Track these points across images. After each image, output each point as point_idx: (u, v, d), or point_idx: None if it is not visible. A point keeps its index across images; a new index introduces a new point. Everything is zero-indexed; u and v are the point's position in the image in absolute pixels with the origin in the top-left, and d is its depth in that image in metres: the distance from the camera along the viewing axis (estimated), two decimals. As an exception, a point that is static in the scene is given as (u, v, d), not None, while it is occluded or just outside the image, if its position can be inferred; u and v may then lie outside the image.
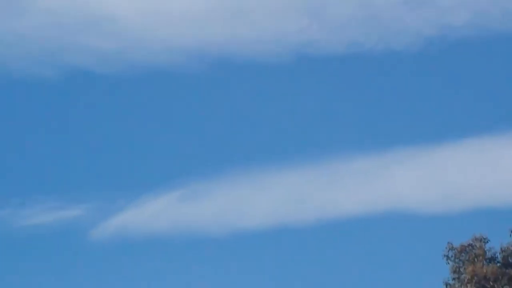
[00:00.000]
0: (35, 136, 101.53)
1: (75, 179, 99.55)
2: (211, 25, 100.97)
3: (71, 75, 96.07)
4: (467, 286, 44.45)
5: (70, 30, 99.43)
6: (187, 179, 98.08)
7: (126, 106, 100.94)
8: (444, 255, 46.94)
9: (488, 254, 45.90)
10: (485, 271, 44.23)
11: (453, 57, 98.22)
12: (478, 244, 46.29)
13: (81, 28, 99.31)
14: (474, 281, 44.32)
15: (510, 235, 46.26)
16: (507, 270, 44.64)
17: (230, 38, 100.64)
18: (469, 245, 46.15)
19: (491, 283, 44.19)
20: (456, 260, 46.20)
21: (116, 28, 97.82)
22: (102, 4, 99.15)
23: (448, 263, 46.71)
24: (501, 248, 46.27)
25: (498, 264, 45.39)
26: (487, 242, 46.51)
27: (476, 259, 45.35)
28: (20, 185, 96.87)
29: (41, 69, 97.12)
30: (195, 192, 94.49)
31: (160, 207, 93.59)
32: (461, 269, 45.60)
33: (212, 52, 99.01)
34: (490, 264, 45.16)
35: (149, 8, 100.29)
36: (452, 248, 46.50)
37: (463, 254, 46.03)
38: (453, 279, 46.03)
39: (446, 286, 46.33)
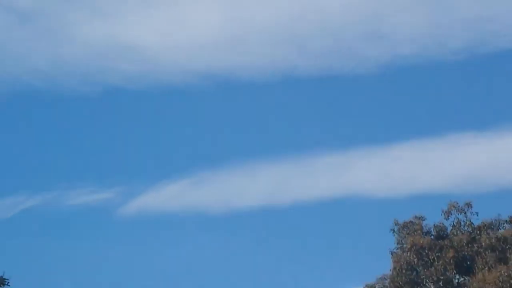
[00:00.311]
0: (78, 137, 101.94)
1: (107, 169, 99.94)
2: (215, 52, 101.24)
3: (104, 91, 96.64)
4: (407, 254, 44.74)
5: (104, 56, 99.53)
6: (195, 169, 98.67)
7: (148, 114, 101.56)
8: (391, 229, 47.40)
9: (424, 229, 46.34)
10: (421, 242, 44.75)
11: (403, 78, 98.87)
12: (417, 221, 46.83)
13: (112, 54, 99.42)
14: (413, 249, 44.65)
15: (441, 215, 46.57)
16: (438, 241, 44.98)
17: (231, 63, 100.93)
18: (410, 222, 46.71)
19: (426, 251, 44.57)
20: (400, 234, 46.69)
21: (140, 55, 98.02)
22: (128, 35, 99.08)
23: (394, 236, 47.07)
24: (434, 225, 46.70)
25: (432, 237, 45.86)
26: (424, 220, 46.97)
27: (415, 233, 45.85)
28: (66, 174, 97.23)
29: (81, 86, 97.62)
30: (201, 180, 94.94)
31: (174, 191, 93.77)
32: (403, 241, 46.06)
33: (216, 73, 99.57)
34: (425, 236, 45.62)
35: (166, 38, 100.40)
36: (397, 224, 47.01)
37: (405, 229, 46.56)
38: (397, 248, 46.44)
39: (392, 254, 46.60)
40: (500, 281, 37.09)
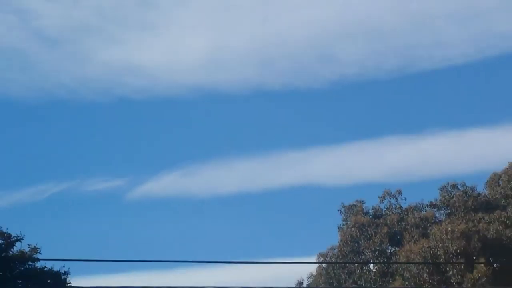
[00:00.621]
0: (95, 137, 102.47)
1: (117, 163, 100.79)
2: (201, 70, 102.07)
3: (117, 101, 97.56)
4: (351, 229, 45.02)
5: (116, 73, 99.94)
6: (187, 163, 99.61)
7: (150, 119, 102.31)
8: (339, 210, 47.55)
9: (365, 211, 46.65)
10: (362, 220, 45.15)
11: (349, 92, 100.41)
12: (358, 204, 47.17)
13: (123, 72, 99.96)
14: (356, 226, 44.96)
15: (378, 200, 46.83)
16: (375, 220, 45.24)
17: (214, 79, 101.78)
18: (353, 205, 47.09)
19: (366, 228, 44.77)
20: (346, 214, 47.06)
21: (144, 72, 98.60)
22: (135, 57, 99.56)
23: (341, 215, 47.34)
24: (372, 207, 46.97)
25: (370, 217, 46.01)
26: (364, 203, 47.21)
27: (357, 213, 46.27)
28: (86, 166, 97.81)
29: (98, 97, 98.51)
30: (191, 171, 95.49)
31: (169, 180, 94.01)
32: (348, 219, 46.35)
33: (202, 86, 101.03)
34: (365, 216, 45.93)
35: (164, 60, 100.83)
36: (343, 206, 47.30)
37: (349, 210, 46.95)
38: (343, 225, 46.69)
39: (339, 229, 46.81)
40: (422, 251, 37.19)
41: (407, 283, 37.99)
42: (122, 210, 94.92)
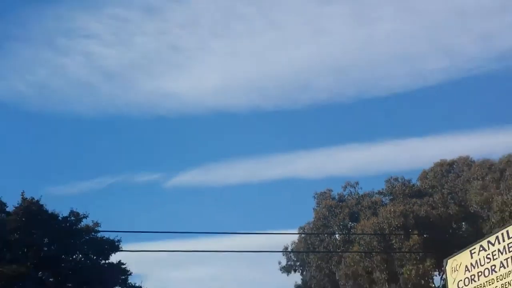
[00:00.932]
0: (139, 144, 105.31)
1: (156, 161, 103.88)
2: (215, 95, 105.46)
3: (155, 118, 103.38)
4: (323, 210, 44.91)
5: (154, 98, 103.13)
6: (205, 162, 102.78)
7: (180, 131, 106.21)
8: (313, 196, 47.28)
9: (332, 196, 46.56)
10: (330, 203, 44.99)
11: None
12: (328, 192, 47.02)
13: (159, 97, 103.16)
14: (325, 207, 44.83)
15: (341, 188, 47.04)
16: (339, 203, 45.25)
17: (224, 101, 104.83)
18: (324, 192, 47.10)
19: (333, 208, 44.74)
20: (318, 198, 47.00)
21: (173, 97, 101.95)
22: (167, 85, 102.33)
23: (315, 200, 47.20)
24: (337, 194, 46.87)
25: (336, 200, 45.92)
26: (332, 191, 47.15)
27: (326, 198, 46.32)
28: (134, 163, 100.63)
29: (143, 115, 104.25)
30: (209, 168, 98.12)
31: (193, 175, 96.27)
32: (320, 202, 46.29)
33: (216, 107, 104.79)
34: (332, 200, 45.81)
35: (186, 87, 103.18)
36: (316, 193, 47.34)
37: (321, 196, 47.03)
38: (317, 207, 46.50)
39: (314, 210, 46.38)
40: (373, 226, 37.98)
41: (362, 248, 38.78)
42: (160, 196, 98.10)
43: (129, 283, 37.33)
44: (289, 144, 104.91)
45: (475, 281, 23.70)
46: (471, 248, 24.57)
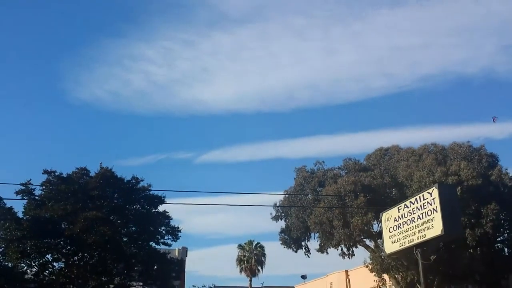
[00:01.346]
0: (180, 132, 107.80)
1: (190, 145, 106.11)
2: (230, 103, 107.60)
3: (191, 116, 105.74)
4: (300, 178, 43.76)
5: (190, 102, 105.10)
6: (224, 147, 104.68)
7: (208, 126, 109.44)
8: (294, 170, 44.83)
9: (306, 170, 44.14)
10: (305, 174, 43.40)
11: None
12: (303, 168, 44.48)
13: (194, 102, 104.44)
14: (302, 177, 43.30)
15: (313, 165, 44.80)
16: (311, 174, 43.42)
17: (236, 107, 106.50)
18: (301, 167, 44.72)
19: (307, 178, 43.24)
20: (297, 172, 44.74)
21: (200, 104, 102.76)
22: (195, 96, 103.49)
23: (295, 172, 44.95)
24: (310, 168, 44.39)
25: (309, 173, 43.62)
26: (306, 166, 44.79)
27: (303, 171, 44.29)
28: (172, 147, 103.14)
29: (182, 114, 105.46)
30: (226, 150, 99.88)
31: (216, 154, 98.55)
32: (298, 174, 44.35)
33: (229, 111, 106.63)
34: (307, 173, 43.86)
35: (210, 97, 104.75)
36: (296, 168, 45.00)
37: (299, 170, 44.55)
38: (295, 177, 44.60)
39: (294, 179, 44.51)
40: (334, 190, 37.43)
41: (326, 204, 38.83)
42: (192, 168, 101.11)
43: (170, 225, 38.50)
44: (279, 135, 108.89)
45: (400, 228, 25.11)
46: (398, 206, 25.98)
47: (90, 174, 35.00)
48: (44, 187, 34.10)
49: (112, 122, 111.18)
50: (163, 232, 37.06)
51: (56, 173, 34.35)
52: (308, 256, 44.06)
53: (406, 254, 28.91)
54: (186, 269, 57.32)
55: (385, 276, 39.03)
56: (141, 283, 35.72)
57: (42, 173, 33.91)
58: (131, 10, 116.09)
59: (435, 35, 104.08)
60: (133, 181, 36.80)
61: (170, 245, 38.06)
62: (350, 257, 40.67)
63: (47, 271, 33.78)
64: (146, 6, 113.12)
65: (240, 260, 72.34)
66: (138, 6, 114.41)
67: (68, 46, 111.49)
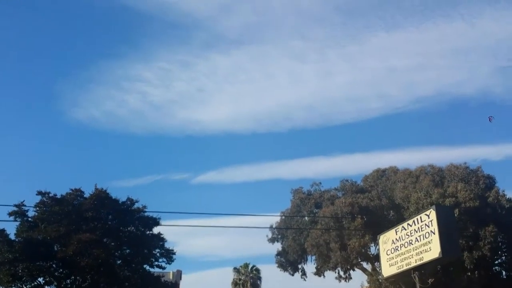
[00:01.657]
0: (175, 152, 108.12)
1: (186, 166, 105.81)
2: (226, 123, 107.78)
3: (187, 136, 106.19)
4: (296, 200, 43.97)
5: (187, 123, 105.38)
6: (220, 168, 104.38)
7: (204, 145, 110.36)
8: (290, 191, 45.48)
9: (303, 191, 44.57)
10: (301, 196, 43.93)
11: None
12: (300, 189, 45.18)
13: (190, 123, 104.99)
14: (298, 198, 43.68)
15: (310, 186, 45.33)
16: (308, 196, 43.27)
17: (233, 128, 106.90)
18: (298, 189, 45.48)
19: (303, 200, 43.29)
20: (294, 193, 45.23)
21: (197, 124, 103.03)
22: (193, 117, 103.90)
23: (291, 193, 45.34)
24: (306, 190, 45.11)
25: (306, 194, 44.08)
26: (303, 188, 45.01)
27: (299, 193, 44.65)
28: (170, 168, 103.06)
29: (178, 134, 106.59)
30: (222, 171, 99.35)
31: (211, 175, 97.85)
32: (295, 195, 44.74)
33: (225, 131, 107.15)
34: (303, 194, 44.03)
35: (209, 118, 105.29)
36: (293, 189, 45.71)
37: (296, 191, 45.17)
38: (292, 198, 44.89)
39: (291, 201, 44.75)
40: (331, 212, 37.69)
41: (322, 226, 38.67)
42: (188, 189, 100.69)
43: (165, 247, 38.17)
44: (276, 156, 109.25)
45: (398, 250, 25.09)
46: (396, 228, 26.00)
47: (85, 195, 34.83)
48: (37, 209, 33.85)
49: (108, 142, 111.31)
50: (158, 254, 36.70)
51: (50, 194, 34.15)
52: (305, 279, 43.89)
53: (404, 277, 28.75)
54: (181, 292, 56.61)
55: (383, 299, 38.60)
56: (135, 307, 35.27)
57: (36, 194, 33.69)
58: (128, 31, 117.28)
59: (431, 57, 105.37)
60: (128, 202, 36.57)
61: (164, 268, 37.70)
62: (347, 280, 40.42)
63: (38, 295, 33.35)
64: (143, 28, 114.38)
65: (235, 284, 71.47)
66: (136, 27, 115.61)
67: (66, 67, 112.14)
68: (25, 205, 33.54)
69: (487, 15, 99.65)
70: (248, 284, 70.37)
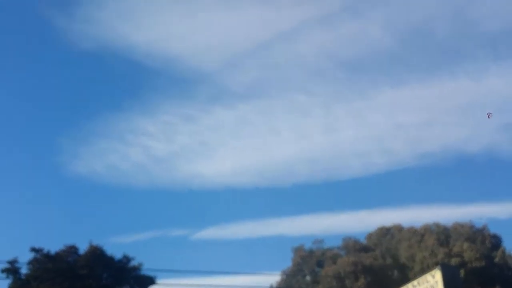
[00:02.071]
0: (175, 210, 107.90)
1: (184, 222, 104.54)
2: (228, 177, 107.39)
3: (190, 190, 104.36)
4: (297, 259, 43.83)
5: (190, 177, 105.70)
6: (220, 223, 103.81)
7: (206, 201, 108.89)
8: (291, 249, 44.81)
9: (305, 249, 44.58)
10: (303, 254, 43.56)
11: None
12: (301, 246, 44.59)
13: (193, 177, 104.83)
14: (299, 257, 43.68)
15: (312, 243, 45.21)
16: (310, 254, 43.41)
17: (234, 181, 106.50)
18: (298, 247, 44.83)
19: (305, 258, 43.18)
20: (295, 252, 44.90)
21: (205, 177, 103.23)
22: (201, 168, 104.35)
23: (292, 252, 44.84)
24: (309, 247, 45.03)
25: (307, 252, 44.01)
26: (304, 245, 44.78)
27: (300, 251, 44.50)
28: (168, 225, 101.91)
29: (183, 188, 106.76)
30: (222, 227, 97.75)
31: (209, 232, 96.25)
32: (296, 253, 44.42)
33: (230, 184, 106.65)
34: (304, 252, 44.36)
35: (212, 171, 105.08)
36: (294, 247, 45.07)
37: (297, 250, 44.79)
38: (293, 257, 44.65)
39: (292, 259, 44.43)
40: (333, 271, 37.43)
41: (325, 286, 38.41)
42: (187, 245, 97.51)
43: (161, 307, 37.09)
44: (278, 212, 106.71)
45: (403, 312, 24.48)
46: (400, 289, 25.45)
47: (79, 252, 34.28)
48: (30, 266, 33.30)
49: (108, 196, 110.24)
50: (153, 314, 35.72)
51: (44, 251, 33.70)
52: None
53: None
54: None
55: None
56: None
57: (30, 251, 33.25)
58: (134, 85, 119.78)
59: (436, 113, 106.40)
60: (124, 260, 35.92)
61: (160, 329, 36.52)
62: None
63: None
64: (149, 82, 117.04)
65: None
66: (142, 81, 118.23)
67: (69, 118, 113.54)
68: (18, 262, 33.03)
69: (492, 72, 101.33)
70: None
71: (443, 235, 38.18)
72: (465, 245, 34.08)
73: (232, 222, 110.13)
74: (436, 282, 21.21)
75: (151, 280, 36.45)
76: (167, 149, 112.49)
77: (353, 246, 41.97)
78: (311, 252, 44.61)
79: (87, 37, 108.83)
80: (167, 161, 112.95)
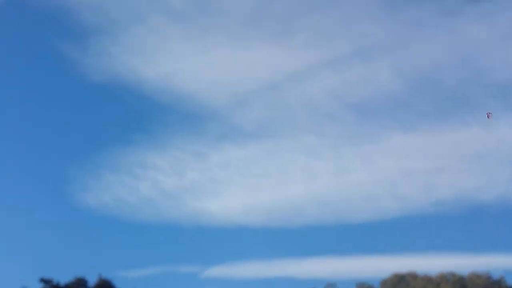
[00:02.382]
0: (184, 244, 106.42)
1: (193, 259, 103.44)
2: (240, 214, 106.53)
3: (196, 227, 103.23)
4: None
5: (196, 213, 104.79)
6: (226, 261, 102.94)
7: (215, 238, 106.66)
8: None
9: None
10: None
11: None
12: None
13: (199, 212, 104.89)
14: None
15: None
16: None
17: (244, 219, 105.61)
18: None
19: None
20: None
21: (213, 214, 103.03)
22: (209, 204, 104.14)
23: None
24: None
25: None
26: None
27: None
28: (176, 261, 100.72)
29: (186, 223, 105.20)
30: (231, 265, 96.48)
31: (216, 271, 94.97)
32: None
33: (240, 222, 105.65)
34: None
35: (219, 207, 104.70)
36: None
37: None
38: None
39: None
40: None
41: None
42: (197, 283, 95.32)
43: None
44: (287, 253, 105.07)
45: None
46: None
47: (88, 285, 34.22)
48: (39, 297, 33.28)
49: (117, 229, 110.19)
50: None
51: (53, 283, 33.67)
52: None
53: None
54: None
55: None
56: None
57: (39, 282, 33.25)
58: (144, 120, 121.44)
59: (448, 160, 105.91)
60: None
61: None
62: None
63: None
64: (159, 117, 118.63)
65: None
66: (152, 116, 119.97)
67: (78, 151, 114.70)
68: (27, 293, 32.98)
69: (504, 120, 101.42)
70: None
71: (459, 285, 37.36)
72: (483, 296, 33.19)
73: (241, 260, 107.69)
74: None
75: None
76: (176, 184, 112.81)
77: (366, 292, 40.86)
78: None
79: (98, 70, 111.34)
80: (176, 197, 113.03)
